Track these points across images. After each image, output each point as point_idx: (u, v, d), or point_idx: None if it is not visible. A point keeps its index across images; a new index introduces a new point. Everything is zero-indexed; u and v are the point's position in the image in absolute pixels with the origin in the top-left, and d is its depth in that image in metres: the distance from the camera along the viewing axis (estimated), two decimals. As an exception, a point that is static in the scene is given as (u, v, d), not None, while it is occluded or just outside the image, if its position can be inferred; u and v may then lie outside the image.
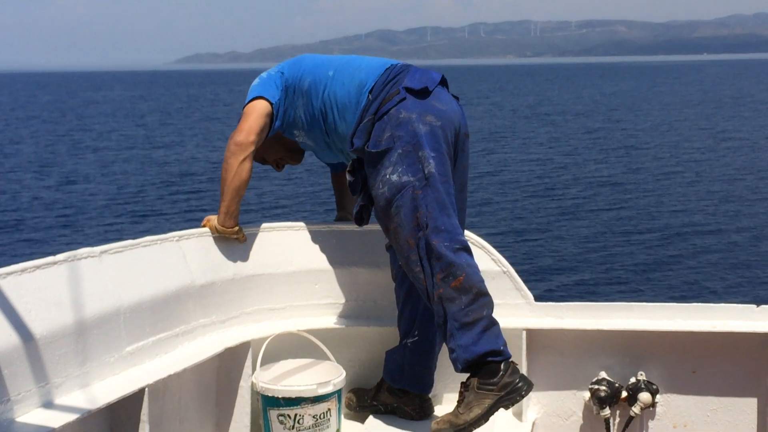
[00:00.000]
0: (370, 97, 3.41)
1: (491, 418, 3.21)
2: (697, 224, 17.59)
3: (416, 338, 3.55)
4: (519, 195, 21.63)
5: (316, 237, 3.78)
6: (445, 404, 3.72)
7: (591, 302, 3.71)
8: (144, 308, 3.17)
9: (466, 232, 3.63)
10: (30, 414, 2.69)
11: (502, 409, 3.17)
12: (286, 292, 3.72)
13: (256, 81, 3.62)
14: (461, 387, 3.23)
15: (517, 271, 3.76)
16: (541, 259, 14.85)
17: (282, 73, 3.61)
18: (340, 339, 3.74)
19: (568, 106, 57.13)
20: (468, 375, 3.20)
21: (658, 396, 3.62)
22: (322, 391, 3.43)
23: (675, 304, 3.67)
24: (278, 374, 3.62)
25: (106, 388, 2.92)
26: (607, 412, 3.62)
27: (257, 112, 3.51)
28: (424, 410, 3.64)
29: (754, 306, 3.58)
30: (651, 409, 3.63)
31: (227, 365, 3.50)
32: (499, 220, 18.44)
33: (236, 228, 3.58)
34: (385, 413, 3.67)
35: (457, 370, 3.20)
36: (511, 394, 3.14)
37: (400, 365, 3.62)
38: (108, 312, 3.02)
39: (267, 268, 3.69)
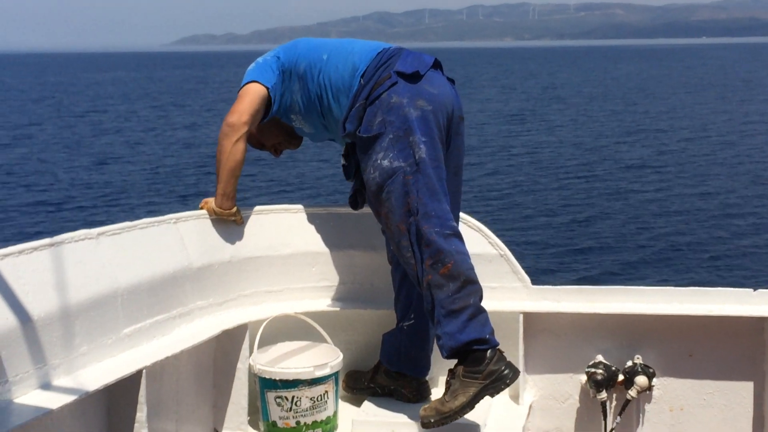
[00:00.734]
0: (362, 81, 3.40)
1: (489, 401, 3.22)
2: (695, 208, 17.59)
3: (412, 321, 3.55)
4: (516, 178, 21.62)
5: (313, 219, 3.78)
6: (442, 387, 3.72)
7: (588, 286, 3.73)
8: (141, 290, 3.18)
9: (463, 215, 3.64)
10: (28, 395, 2.69)
11: (500, 393, 3.19)
12: (284, 274, 3.72)
13: (252, 65, 3.61)
14: (448, 375, 3.25)
15: (514, 255, 3.76)
16: (539, 243, 14.86)
17: (278, 57, 3.59)
18: (337, 321, 3.75)
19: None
20: (455, 362, 3.21)
21: (654, 379, 3.63)
22: (319, 373, 3.44)
23: (672, 287, 3.68)
24: (275, 356, 3.62)
25: (103, 370, 2.92)
26: (603, 395, 3.63)
27: (251, 95, 3.50)
28: (421, 393, 3.65)
29: (751, 290, 3.59)
30: (647, 392, 3.64)
31: (225, 347, 3.50)
32: (496, 203, 18.45)
33: (234, 209, 3.58)
34: (382, 396, 3.68)
35: (443, 356, 3.23)
36: (496, 382, 3.16)
37: (396, 348, 3.62)
38: (105, 294, 3.02)
39: (264, 250, 3.69)
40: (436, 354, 3.65)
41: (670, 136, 29.92)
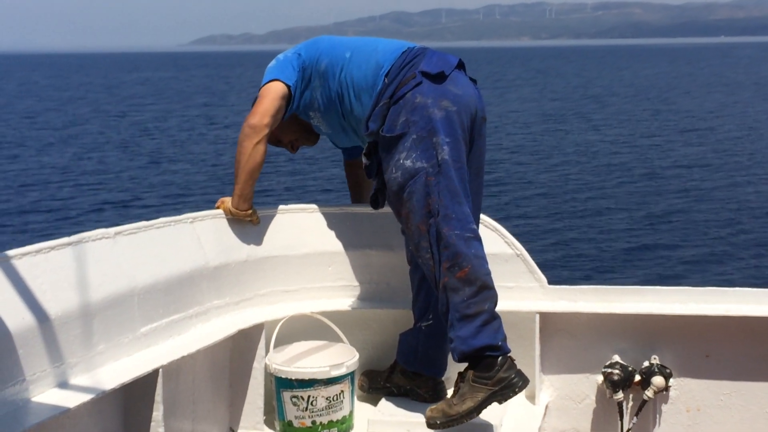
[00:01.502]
0: (386, 80, 3.39)
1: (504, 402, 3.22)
2: (712, 208, 17.49)
3: (431, 321, 3.55)
4: (533, 177, 21.55)
5: (329, 219, 3.78)
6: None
7: (604, 285, 3.71)
8: (158, 289, 3.19)
9: (481, 215, 3.63)
10: (45, 394, 2.71)
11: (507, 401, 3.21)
12: (300, 274, 3.73)
13: (272, 63, 3.61)
14: (458, 377, 3.25)
15: (531, 255, 3.75)
16: (555, 243, 14.81)
17: (299, 54, 3.59)
18: (353, 321, 3.75)
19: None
20: (466, 365, 3.22)
21: (671, 380, 3.61)
22: (335, 373, 3.44)
23: (689, 287, 3.66)
24: (292, 356, 3.63)
25: (120, 369, 2.93)
26: (620, 395, 3.62)
27: (272, 94, 3.50)
28: (437, 393, 3.64)
29: (768, 290, 3.57)
30: (664, 392, 3.63)
31: (241, 347, 3.51)
32: (513, 202, 18.41)
33: (250, 211, 3.58)
34: (398, 395, 3.68)
35: (454, 359, 3.24)
36: (505, 389, 3.16)
37: (414, 348, 3.62)
38: (122, 293, 3.03)
39: (281, 250, 3.69)
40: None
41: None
